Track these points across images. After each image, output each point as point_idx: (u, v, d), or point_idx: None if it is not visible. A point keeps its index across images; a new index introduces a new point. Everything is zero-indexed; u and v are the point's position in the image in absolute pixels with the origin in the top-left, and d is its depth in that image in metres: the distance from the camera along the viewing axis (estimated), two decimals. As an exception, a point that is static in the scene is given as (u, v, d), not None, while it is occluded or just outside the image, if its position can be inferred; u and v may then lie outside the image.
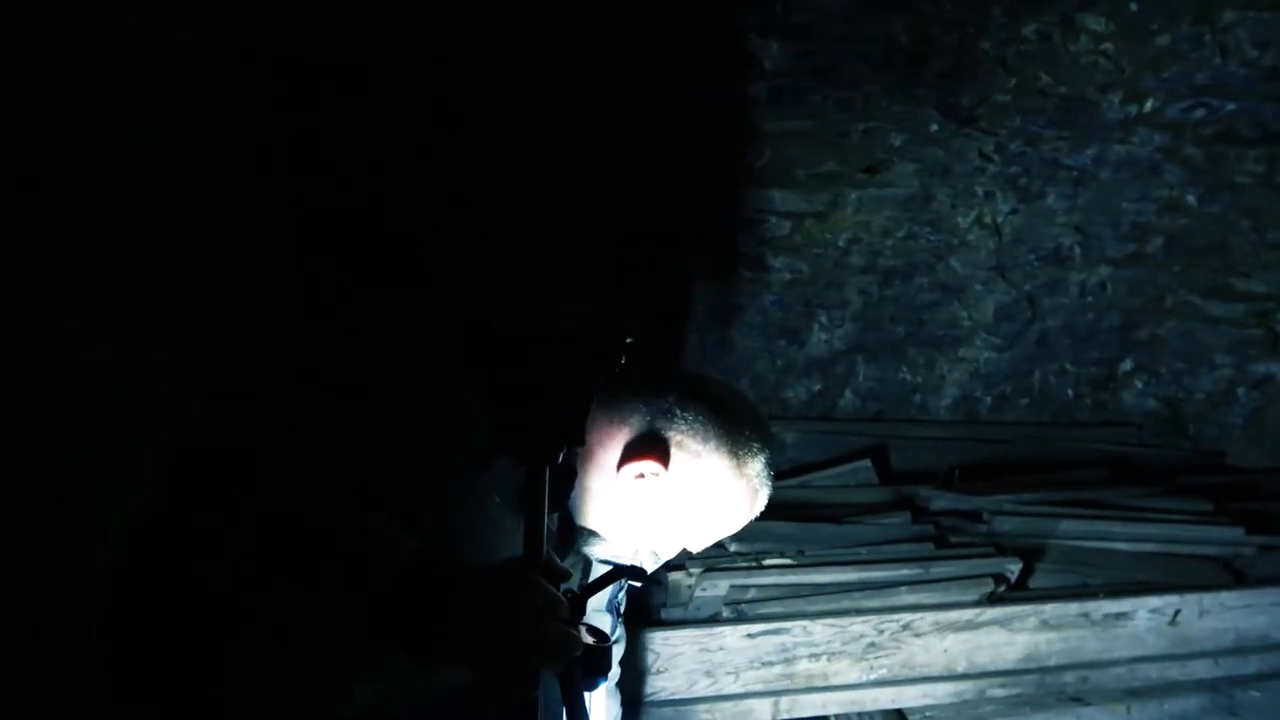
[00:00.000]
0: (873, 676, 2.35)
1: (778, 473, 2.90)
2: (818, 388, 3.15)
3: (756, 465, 1.24)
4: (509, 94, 2.36)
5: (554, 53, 2.39)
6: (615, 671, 1.52)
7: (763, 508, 1.30)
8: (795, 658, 2.30)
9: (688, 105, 2.58)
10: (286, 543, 0.91)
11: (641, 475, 1.18)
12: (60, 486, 1.26)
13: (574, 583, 1.20)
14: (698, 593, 2.33)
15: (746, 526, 2.45)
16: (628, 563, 1.14)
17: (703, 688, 2.26)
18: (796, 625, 2.29)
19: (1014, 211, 2.97)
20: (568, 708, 0.96)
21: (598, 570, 1.23)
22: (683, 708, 2.25)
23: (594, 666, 0.96)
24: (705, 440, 1.20)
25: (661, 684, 2.24)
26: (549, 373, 0.94)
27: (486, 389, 0.94)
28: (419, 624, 0.88)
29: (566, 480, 1.13)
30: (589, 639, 0.95)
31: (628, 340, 1.02)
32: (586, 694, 0.98)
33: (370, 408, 1.00)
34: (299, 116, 1.92)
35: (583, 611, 0.95)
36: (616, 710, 1.59)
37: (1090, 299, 3.15)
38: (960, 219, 2.96)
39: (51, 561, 1.27)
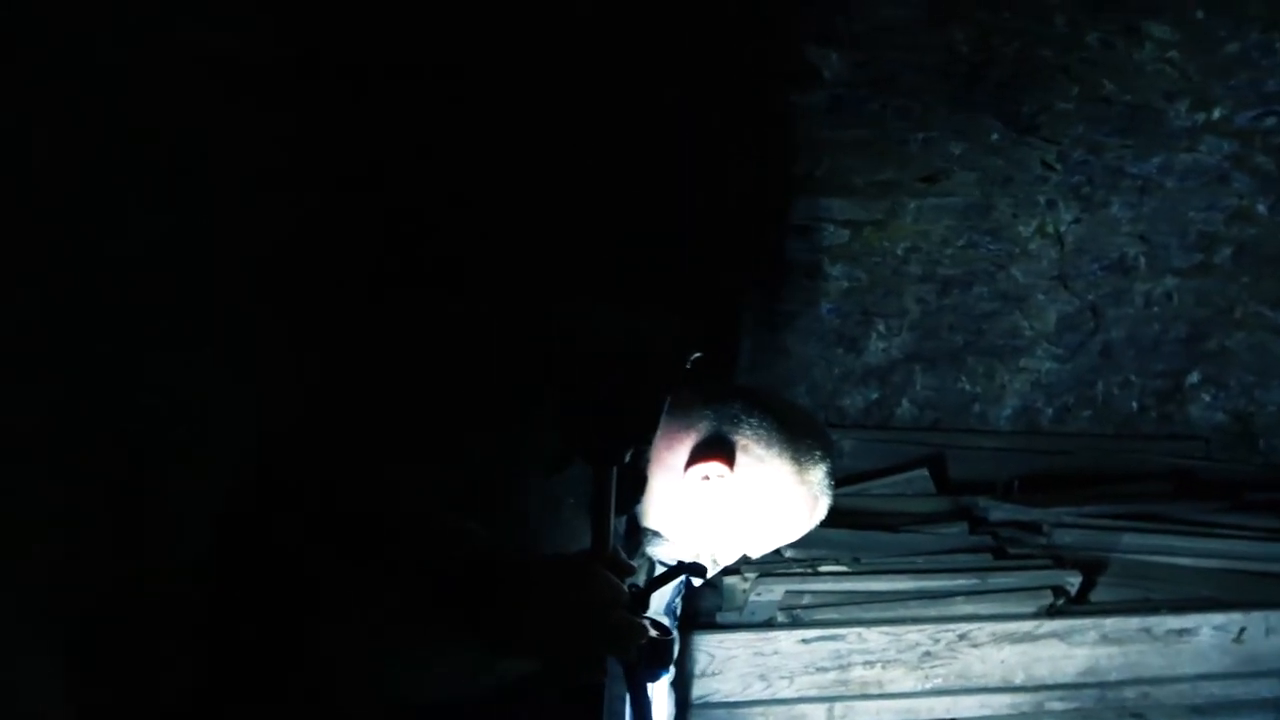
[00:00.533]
0: (928, 686, 2.34)
1: (835, 481, 2.92)
2: (875, 396, 3.15)
3: (818, 473, 1.28)
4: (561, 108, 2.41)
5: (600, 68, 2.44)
6: (670, 672, 1.56)
7: (823, 516, 1.33)
8: (850, 664, 2.31)
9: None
10: (363, 533, 0.96)
11: (707, 477, 1.22)
12: (155, 479, 1.33)
13: (638, 582, 1.23)
14: (752, 597, 2.35)
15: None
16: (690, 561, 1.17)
17: (756, 691, 2.28)
18: (851, 632, 2.30)
19: (1077, 220, 2.95)
20: (632, 698, 1.00)
21: (661, 570, 1.27)
22: (736, 710, 2.28)
23: (657, 658, 1.00)
24: (769, 446, 1.24)
25: (715, 686, 2.27)
26: (618, 377, 0.98)
27: (558, 391, 0.99)
28: (488, 610, 0.93)
29: (635, 484, 1.17)
30: (653, 632, 0.98)
31: (693, 348, 1.06)
32: (649, 685, 1.02)
33: (446, 413, 1.06)
34: (366, 121, 1.99)
35: (646, 605, 0.99)
36: (670, 709, 1.62)
37: (1156, 309, 3.10)
38: (1021, 228, 2.94)
39: (148, 551, 1.35)
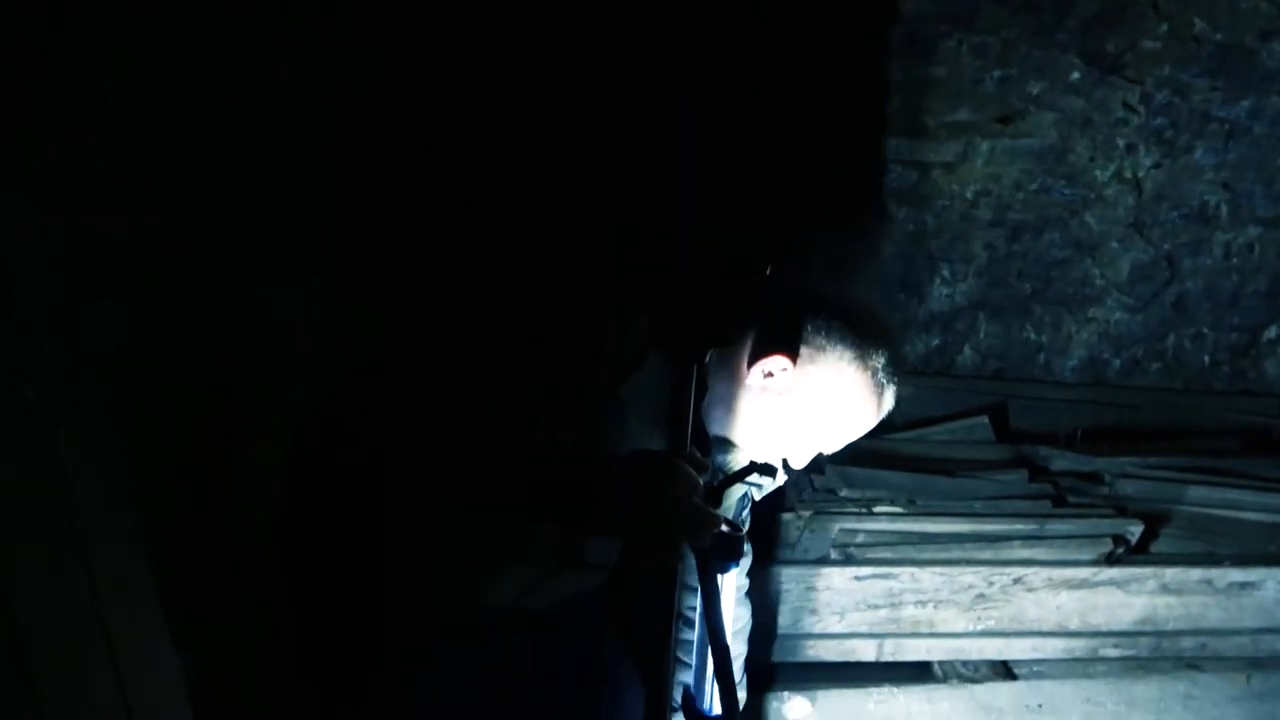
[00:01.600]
0: (980, 627, 2.34)
1: (892, 425, 2.91)
2: (936, 343, 3.11)
3: (880, 360, 1.27)
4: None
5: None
6: (744, 582, 1.59)
7: (890, 406, 1.32)
8: (902, 603, 2.32)
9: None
10: (452, 436, 1.00)
11: (770, 373, 1.21)
12: (236, 406, 1.38)
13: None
14: (806, 534, 2.37)
15: (857, 473, 2.47)
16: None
17: (808, 624, 2.31)
18: (905, 572, 2.31)
19: (1157, 166, 2.85)
20: (702, 587, 1.03)
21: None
22: (787, 642, 2.31)
23: (728, 551, 1.04)
24: (829, 335, 1.23)
25: (767, 619, 2.30)
26: (703, 278, 1.00)
27: (646, 292, 1.01)
28: (577, 500, 0.99)
29: (700, 393, 1.19)
30: (724, 527, 1.02)
31: (769, 258, 1.07)
32: (720, 577, 1.05)
33: (526, 330, 1.09)
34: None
35: (719, 501, 1.02)
36: (747, 618, 1.66)
37: (1235, 261, 3.00)
38: (1099, 172, 2.86)
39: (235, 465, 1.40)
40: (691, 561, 1.02)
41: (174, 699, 1.13)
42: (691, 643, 1.29)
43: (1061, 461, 2.72)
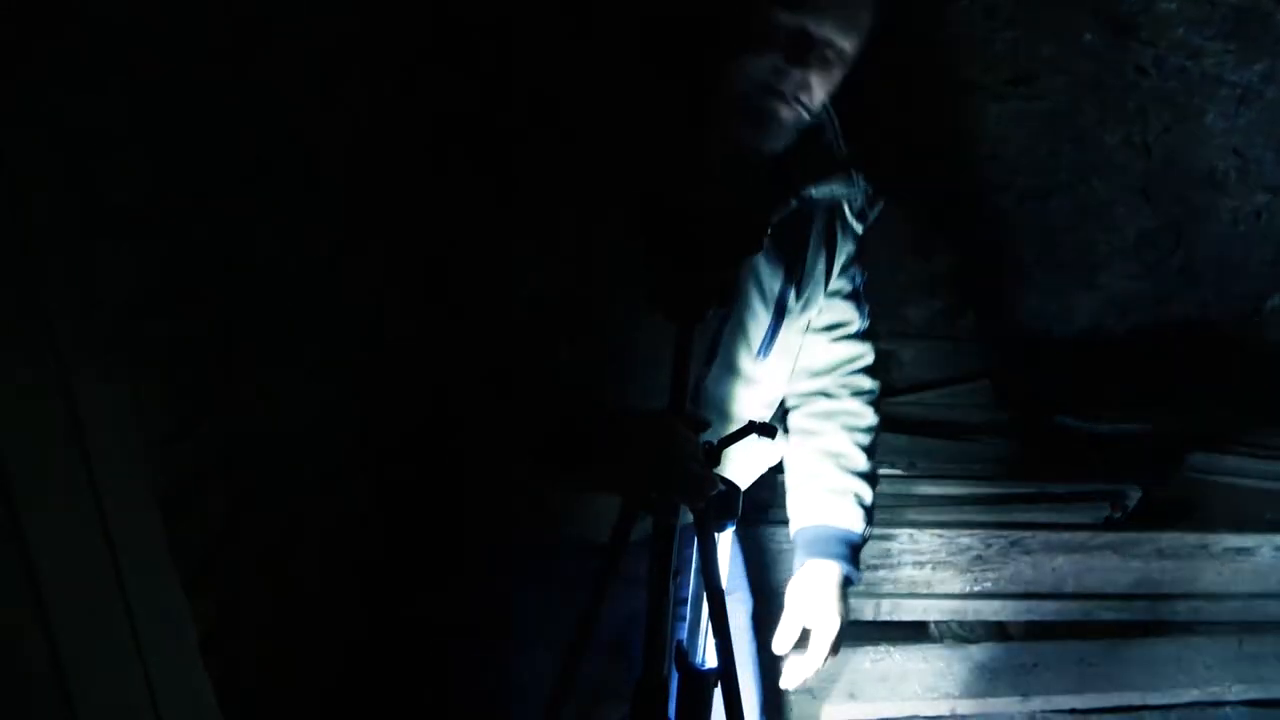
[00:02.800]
0: (977, 589, 2.37)
1: (893, 389, 2.90)
2: (940, 305, 3.11)
3: None
4: None
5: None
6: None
7: None
8: (900, 564, 2.34)
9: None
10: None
11: None
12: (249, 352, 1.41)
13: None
14: (807, 495, 2.38)
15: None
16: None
17: (806, 584, 2.33)
18: (903, 533, 2.33)
19: (1167, 130, 2.83)
20: (700, 545, 1.05)
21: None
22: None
23: (726, 509, 1.05)
24: None
25: (766, 577, 2.32)
26: (706, 240, 1.00)
27: (648, 251, 1.01)
28: (578, 451, 1.04)
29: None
30: (721, 486, 1.03)
31: (768, 221, 1.07)
32: (717, 535, 1.07)
33: (555, 235, 1.12)
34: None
35: (718, 460, 1.03)
36: (739, 560, 1.70)
37: (1243, 228, 2.98)
38: (1108, 137, 2.83)
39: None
40: (688, 517, 1.04)
41: (185, 647, 1.17)
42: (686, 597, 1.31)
43: (1062, 425, 2.73)
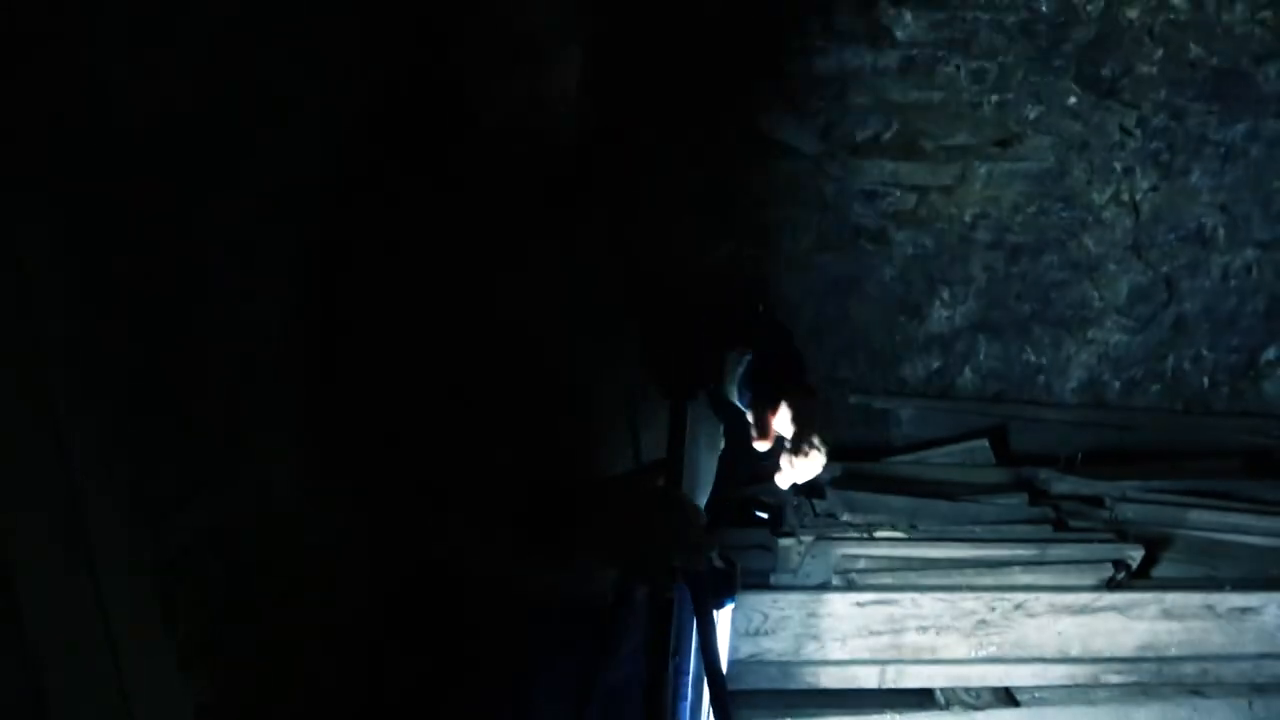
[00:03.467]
0: (982, 654, 2.34)
1: (891, 448, 2.90)
2: (937, 365, 3.11)
3: None
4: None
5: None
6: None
7: None
8: (904, 629, 2.32)
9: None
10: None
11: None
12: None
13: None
14: (807, 560, 2.36)
15: (858, 497, 2.46)
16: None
17: (809, 651, 2.30)
18: (906, 598, 2.30)
19: (1154, 188, 2.86)
20: (698, 622, 1.04)
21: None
22: (788, 669, 2.30)
23: (725, 586, 1.05)
24: None
25: (769, 645, 2.29)
26: (695, 321, 1.01)
27: (643, 329, 1.02)
28: (566, 528, 1.02)
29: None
30: (719, 563, 1.03)
31: (761, 297, 1.08)
32: (715, 613, 1.06)
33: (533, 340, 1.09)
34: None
35: (713, 542, 1.03)
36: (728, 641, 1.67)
37: (1234, 282, 3.01)
38: (1096, 195, 2.87)
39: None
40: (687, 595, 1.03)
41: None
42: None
43: (1062, 484, 2.72)
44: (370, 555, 1.33)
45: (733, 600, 1.16)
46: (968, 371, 3.13)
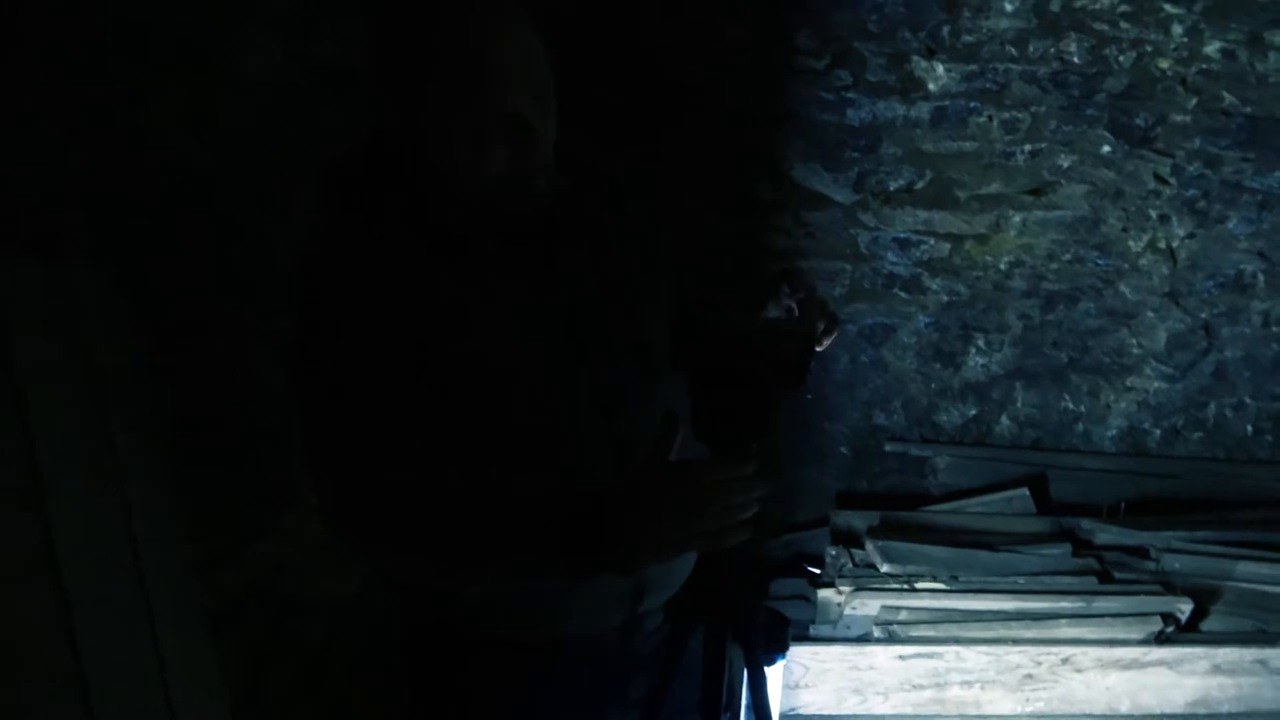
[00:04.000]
0: (1028, 709, 2.29)
1: (928, 497, 2.87)
2: (973, 413, 3.09)
3: None
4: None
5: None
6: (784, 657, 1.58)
7: None
8: (947, 684, 2.28)
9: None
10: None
11: None
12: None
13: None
14: (847, 611, 2.34)
15: (897, 547, 2.45)
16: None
17: (851, 705, 2.26)
18: (949, 650, 2.27)
19: (1191, 236, 2.85)
20: (750, 679, 1.03)
21: None
22: (830, 724, 2.27)
23: (777, 642, 1.04)
24: None
25: (809, 698, 2.26)
26: (741, 375, 1.01)
27: (690, 378, 1.02)
28: (598, 538, 0.96)
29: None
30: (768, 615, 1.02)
31: (807, 352, 1.08)
32: (766, 669, 1.05)
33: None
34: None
35: (766, 591, 1.02)
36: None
37: (1275, 329, 2.98)
38: (1132, 243, 2.86)
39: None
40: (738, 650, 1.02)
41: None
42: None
43: (1105, 535, 2.68)
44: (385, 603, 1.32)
45: (784, 656, 1.15)
46: (1004, 419, 3.11)
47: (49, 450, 1.05)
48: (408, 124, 1.01)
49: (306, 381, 1.04)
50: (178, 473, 1.27)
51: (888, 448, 3.01)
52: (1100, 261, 2.89)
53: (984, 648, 2.27)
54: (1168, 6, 2.55)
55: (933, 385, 3.05)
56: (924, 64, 2.63)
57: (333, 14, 1.61)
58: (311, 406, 1.03)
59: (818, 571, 1.15)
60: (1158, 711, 2.30)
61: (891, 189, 2.79)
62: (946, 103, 2.68)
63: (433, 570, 1.07)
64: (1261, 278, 2.91)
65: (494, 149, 0.99)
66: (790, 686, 2.25)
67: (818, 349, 1.09)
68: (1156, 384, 3.06)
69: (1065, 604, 2.36)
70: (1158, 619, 2.33)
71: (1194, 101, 2.67)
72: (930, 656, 2.27)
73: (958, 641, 2.28)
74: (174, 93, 1.24)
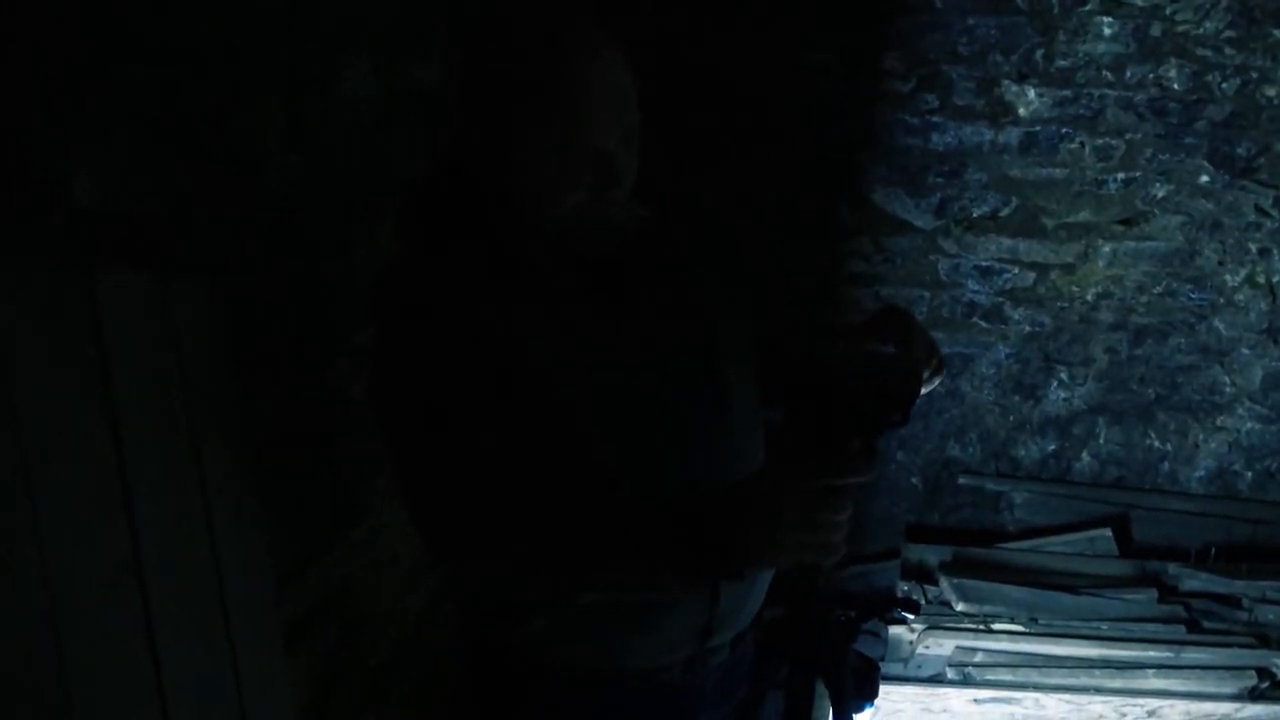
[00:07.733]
0: (1111, 762, 2.19)
1: (1005, 533, 2.79)
2: (1052, 448, 2.99)
3: None
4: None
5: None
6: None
7: None
8: (1024, 731, 2.19)
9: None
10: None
11: None
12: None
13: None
14: (919, 650, 2.26)
15: (974, 585, 2.37)
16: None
17: (923, 749, 2.19)
18: (1029, 697, 2.19)
19: (1293, 271, 2.73)
20: None
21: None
22: (901, 767, 2.19)
23: (864, 689, 1.01)
24: None
25: (878, 740, 2.19)
26: (853, 408, 0.99)
27: (790, 412, 0.99)
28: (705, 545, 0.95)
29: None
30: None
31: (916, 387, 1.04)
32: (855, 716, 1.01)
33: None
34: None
35: (856, 636, 0.99)
36: None
37: (1381, 371, 2.83)
38: (1229, 277, 2.74)
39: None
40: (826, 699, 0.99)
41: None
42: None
43: (1193, 581, 2.57)
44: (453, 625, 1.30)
45: (872, 704, 1.12)
46: (1086, 456, 3.00)
47: (139, 458, 1.05)
48: (492, 156, 1.00)
49: (394, 412, 1.03)
50: (261, 485, 1.27)
51: (961, 480, 2.93)
52: (1194, 295, 2.78)
53: (1065, 695, 2.18)
54: (1277, 32, 2.45)
55: (1011, 418, 2.96)
56: (1015, 88, 2.56)
57: (429, 38, 1.62)
58: (403, 437, 1.03)
59: (911, 617, 1.10)
60: (1250, 772, 2.19)
61: (975, 215, 2.72)
62: (1037, 128, 2.61)
63: (539, 585, 1.06)
64: (1368, 317, 2.77)
65: (578, 186, 0.99)
66: (859, 725, 2.19)
67: (923, 390, 1.05)
68: (1250, 424, 2.93)
69: (1152, 653, 2.26)
70: (1252, 673, 2.22)
71: (1301, 131, 2.56)
72: (1008, 701, 2.19)
73: (1037, 688, 2.20)
74: (273, 112, 1.25)
